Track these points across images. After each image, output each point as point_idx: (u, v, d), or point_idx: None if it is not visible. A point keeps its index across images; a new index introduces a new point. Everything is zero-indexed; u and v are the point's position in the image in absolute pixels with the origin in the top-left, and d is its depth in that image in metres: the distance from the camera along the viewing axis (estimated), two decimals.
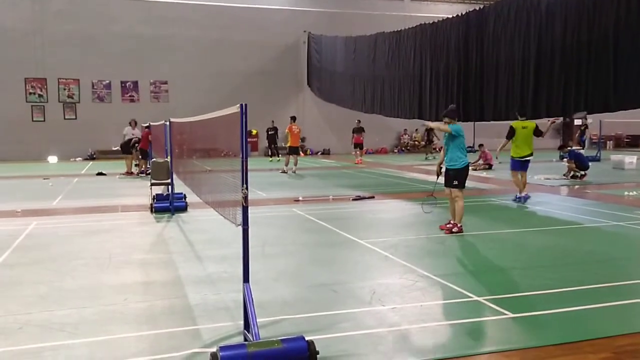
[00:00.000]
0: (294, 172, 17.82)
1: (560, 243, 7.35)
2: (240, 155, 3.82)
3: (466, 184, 8.28)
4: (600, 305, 4.72)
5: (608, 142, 32.26)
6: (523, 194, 10.84)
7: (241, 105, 3.79)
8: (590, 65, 10.03)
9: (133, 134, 17.98)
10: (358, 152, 22.45)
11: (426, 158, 24.94)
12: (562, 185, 14.01)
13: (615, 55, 9.46)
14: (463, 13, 14.17)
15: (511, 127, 10.81)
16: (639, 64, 9.02)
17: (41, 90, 25.38)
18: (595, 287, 5.26)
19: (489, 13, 12.95)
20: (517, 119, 10.96)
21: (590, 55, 10.02)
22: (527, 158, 10.83)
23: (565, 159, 16.89)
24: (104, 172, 17.80)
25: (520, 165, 10.92)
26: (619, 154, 20.58)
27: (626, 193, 12.16)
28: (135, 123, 18.28)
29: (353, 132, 22.60)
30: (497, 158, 11.51)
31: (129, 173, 17.64)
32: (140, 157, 17.49)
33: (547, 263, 6.33)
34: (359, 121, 22.28)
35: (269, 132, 25.34)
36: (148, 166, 16.70)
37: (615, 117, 17.16)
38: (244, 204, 3.83)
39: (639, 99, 9.37)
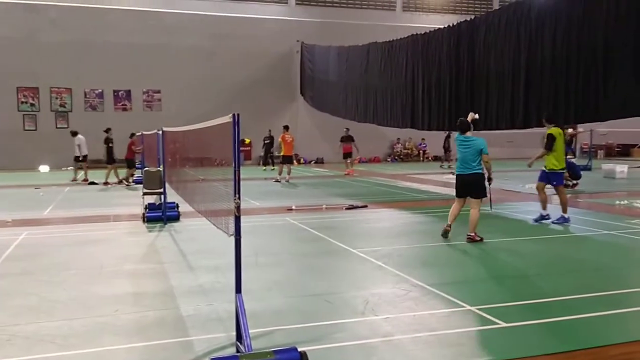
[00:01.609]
0: (287, 181, 17.81)
1: (552, 252, 7.37)
2: (233, 165, 3.81)
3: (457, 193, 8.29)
4: (593, 315, 4.73)
5: (599, 151, 32.49)
6: (566, 215, 9.49)
7: (233, 115, 3.79)
8: (580, 75, 10.11)
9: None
10: (349, 162, 21.49)
11: (441, 166, 25.05)
12: (553, 195, 14.04)
13: (604, 66, 9.54)
14: (454, 24, 14.28)
15: (552, 135, 9.27)
16: (628, 74, 9.11)
17: (33, 100, 25.28)
18: (588, 296, 5.27)
19: (480, 24, 13.06)
20: (550, 126, 9.45)
21: (580, 65, 10.10)
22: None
23: None
24: (95, 181, 17.70)
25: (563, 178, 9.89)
26: (609, 163, 20.71)
27: (617, 202, 12.24)
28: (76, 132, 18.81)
29: (341, 141, 21.64)
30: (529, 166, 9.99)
31: (120, 182, 17.52)
32: (127, 166, 17.46)
33: (539, 272, 6.34)
34: (348, 129, 21.49)
35: (265, 142, 25.26)
36: (135, 176, 16.71)
37: (606, 126, 17.30)
38: (237, 214, 3.82)
39: (628, 109, 9.45)
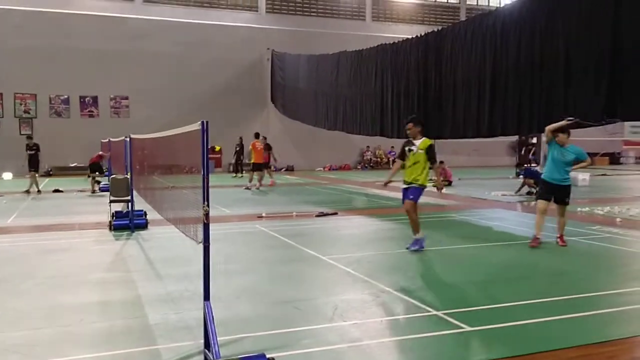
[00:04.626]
0: (258, 188, 17.78)
1: (516, 257, 7.56)
2: (202, 172, 3.83)
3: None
4: (554, 318, 4.87)
5: None
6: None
7: (202, 122, 3.81)
8: (543, 85, 10.41)
9: None
10: (269, 172, 19.63)
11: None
12: (518, 202, 14.39)
13: (565, 76, 9.85)
14: (422, 34, 14.54)
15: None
16: (588, 84, 9.42)
17: None
18: (549, 301, 5.43)
19: (447, 35, 13.34)
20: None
21: (543, 76, 10.41)
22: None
23: (521, 176, 17.42)
24: (61, 189, 17.33)
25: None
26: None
27: (579, 209, 12.58)
28: None
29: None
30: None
31: (39, 191, 16.93)
32: (90, 171, 17.15)
33: (503, 277, 6.50)
34: (265, 138, 19.55)
35: (236, 149, 25.22)
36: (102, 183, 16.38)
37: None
38: (205, 221, 3.83)
39: (587, 118, 9.77)
